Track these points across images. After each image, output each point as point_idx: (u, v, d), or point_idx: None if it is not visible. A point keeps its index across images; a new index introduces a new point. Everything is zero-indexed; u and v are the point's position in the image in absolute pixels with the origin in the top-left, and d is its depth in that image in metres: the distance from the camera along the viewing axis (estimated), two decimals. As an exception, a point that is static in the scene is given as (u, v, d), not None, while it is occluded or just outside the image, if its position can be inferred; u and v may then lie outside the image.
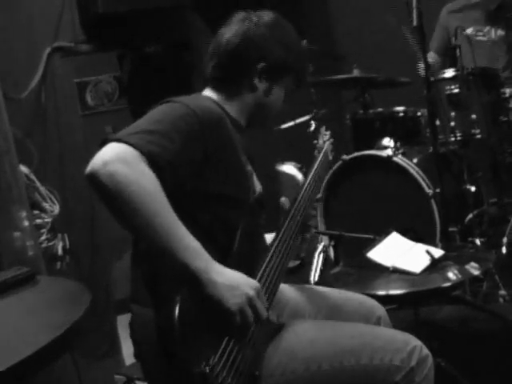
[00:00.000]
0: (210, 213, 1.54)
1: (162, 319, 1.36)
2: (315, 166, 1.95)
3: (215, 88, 1.71)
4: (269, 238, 1.74)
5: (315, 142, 2.10)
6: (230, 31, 1.69)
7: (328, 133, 2.16)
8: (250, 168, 1.68)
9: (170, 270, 1.39)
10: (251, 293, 1.39)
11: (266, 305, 1.45)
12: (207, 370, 1.30)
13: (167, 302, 1.33)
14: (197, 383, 1.30)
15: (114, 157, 1.32)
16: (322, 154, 2.03)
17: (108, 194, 1.31)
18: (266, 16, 1.72)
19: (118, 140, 1.36)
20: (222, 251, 1.51)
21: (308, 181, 1.87)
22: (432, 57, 3.82)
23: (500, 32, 3.66)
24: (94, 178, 1.31)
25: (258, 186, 1.73)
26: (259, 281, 1.50)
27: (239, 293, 1.37)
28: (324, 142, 2.12)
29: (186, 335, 1.31)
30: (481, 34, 3.68)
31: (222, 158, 1.53)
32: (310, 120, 3.74)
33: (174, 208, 1.38)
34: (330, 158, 2.12)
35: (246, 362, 1.42)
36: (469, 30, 3.41)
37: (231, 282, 1.38)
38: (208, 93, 1.72)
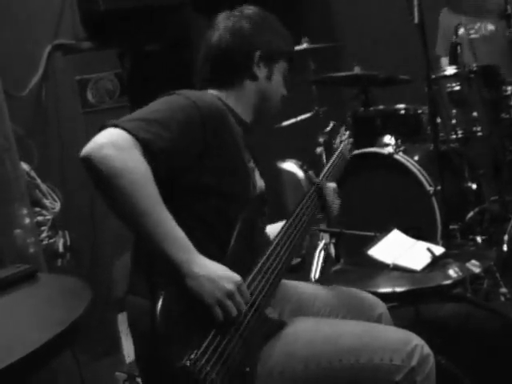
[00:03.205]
0: (208, 205, 1.55)
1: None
2: (329, 165, 1.95)
3: (216, 88, 1.73)
4: (276, 227, 1.75)
5: (333, 141, 2.08)
6: (218, 31, 1.72)
7: (347, 133, 2.15)
8: (252, 164, 1.68)
9: (158, 259, 1.41)
10: (230, 286, 1.40)
11: (249, 299, 1.45)
12: (188, 364, 1.30)
13: (156, 296, 1.34)
14: (179, 377, 1.31)
15: (108, 141, 1.36)
16: (336, 154, 2.02)
17: (99, 178, 1.34)
18: (248, 9, 1.77)
19: (115, 125, 1.39)
20: (222, 244, 1.53)
21: (319, 178, 1.87)
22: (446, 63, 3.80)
23: (490, 26, 3.66)
24: (87, 161, 1.34)
25: (260, 183, 1.73)
26: (256, 275, 1.51)
27: (218, 286, 1.39)
28: (341, 141, 2.10)
29: (169, 329, 1.33)
30: (473, 31, 3.68)
31: (221, 151, 1.54)
32: (312, 117, 3.75)
33: (171, 198, 1.41)
34: (348, 157, 2.11)
35: (236, 358, 1.41)
36: (462, 30, 3.40)
37: (211, 275, 1.39)
38: (211, 91, 1.73)
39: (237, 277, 1.43)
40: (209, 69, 1.73)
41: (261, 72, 1.73)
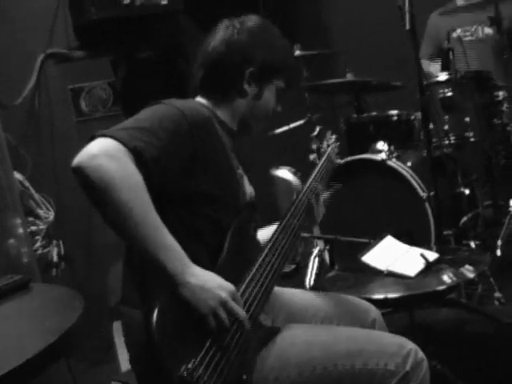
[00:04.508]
0: (198, 214, 1.55)
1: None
2: (317, 170, 1.95)
3: (205, 96, 1.73)
4: (268, 231, 1.75)
5: (320, 145, 2.09)
6: (215, 40, 1.70)
7: (333, 137, 2.16)
8: (240, 171, 1.69)
9: (151, 269, 1.41)
10: (224, 295, 1.40)
11: (243, 307, 1.45)
12: (185, 374, 1.30)
13: (149, 306, 1.34)
14: None
15: (100, 151, 1.35)
16: (324, 158, 2.02)
17: (92, 188, 1.34)
18: (250, 21, 1.73)
19: (105, 135, 1.39)
20: (213, 253, 1.53)
21: (308, 184, 1.87)
22: (431, 66, 3.82)
23: (487, 30, 3.69)
24: (79, 171, 1.34)
25: (250, 189, 1.73)
26: (249, 283, 1.51)
27: (211, 295, 1.39)
28: (328, 145, 2.11)
29: (165, 340, 1.32)
30: (468, 33, 3.70)
31: (210, 159, 1.54)
32: (305, 124, 3.75)
33: (162, 207, 1.40)
34: (336, 161, 2.11)
35: (232, 366, 1.41)
36: (457, 32, 3.42)
37: (205, 284, 1.39)
38: (199, 99, 1.74)
39: (230, 286, 1.43)
40: (200, 76, 1.73)
41: (250, 89, 1.70)
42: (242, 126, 1.75)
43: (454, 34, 3.43)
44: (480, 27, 3.72)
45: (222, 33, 1.71)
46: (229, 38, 1.69)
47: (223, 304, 1.40)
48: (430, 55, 3.89)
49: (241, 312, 1.42)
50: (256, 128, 1.80)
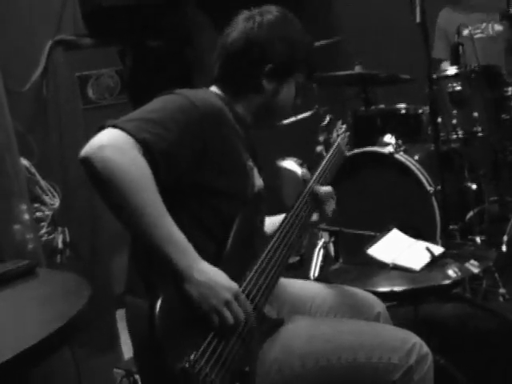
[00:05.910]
0: (206, 205, 1.54)
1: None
2: (325, 160, 1.92)
3: (220, 87, 1.71)
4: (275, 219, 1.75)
5: (329, 135, 2.08)
6: (235, 32, 1.67)
7: (344, 126, 2.13)
8: (251, 163, 1.67)
9: (156, 260, 1.40)
10: (227, 295, 1.39)
11: (248, 307, 1.45)
12: (187, 366, 1.30)
13: (154, 296, 1.34)
14: (178, 379, 1.30)
15: (108, 142, 1.34)
16: (333, 148, 2.00)
17: (99, 179, 1.33)
18: (270, 14, 1.69)
19: (115, 126, 1.38)
20: (218, 244, 1.52)
21: (316, 174, 1.85)
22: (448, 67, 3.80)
23: (497, 27, 3.66)
24: (87, 162, 1.33)
25: (259, 182, 1.72)
26: (253, 275, 1.50)
27: (215, 295, 1.38)
28: (338, 135, 2.09)
29: (167, 331, 1.32)
30: (479, 31, 3.68)
31: (220, 151, 1.53)
32: (312, 115, 3.75)
33: (169, 198, 1.40)
34: (346, 151, 2.09)
35: (235, 358, 1.41)
36: (466, 31, 3.40)
37: (210, 282, 1.39)
38: (214, 89, 1.72)
39: (234, 285, 1.43)
40: (217, 69, 1.71)
41: (269, 85, 1.67)
42: (257, 120, 1.72)
43: (465, 32, 3.41)
44: (490, 24, 3.69)
45: (241, 25, 1.67)
46: (248, 32, 1.65)
47: (226, 304, 1.39)
48: (445, 53, 3.84)
49: (240, 314, 1.42)
50: (270, 124, 1.79)
